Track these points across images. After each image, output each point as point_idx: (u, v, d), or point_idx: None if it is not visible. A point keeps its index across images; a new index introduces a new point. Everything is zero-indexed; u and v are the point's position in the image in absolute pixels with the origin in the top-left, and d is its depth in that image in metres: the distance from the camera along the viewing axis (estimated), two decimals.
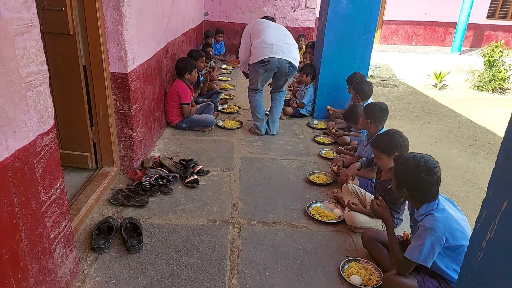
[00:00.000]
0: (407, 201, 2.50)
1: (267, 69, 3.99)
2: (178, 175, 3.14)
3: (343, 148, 3.77)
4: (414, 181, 1.89)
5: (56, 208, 1.82)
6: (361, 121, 3.17)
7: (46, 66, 1.69)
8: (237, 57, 8.13)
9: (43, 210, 1.70)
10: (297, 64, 4.07)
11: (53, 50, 2.57)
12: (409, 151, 2.50)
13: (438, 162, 1.92)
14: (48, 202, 1.74)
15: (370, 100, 3.97)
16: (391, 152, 2.42)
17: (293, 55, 4.01)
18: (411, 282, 1.92)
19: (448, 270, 1.90)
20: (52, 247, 1.79)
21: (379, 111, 3.00)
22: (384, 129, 2.95)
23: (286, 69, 4.03)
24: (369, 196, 2.77)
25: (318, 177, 3.31)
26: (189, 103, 4.17)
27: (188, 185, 3.05)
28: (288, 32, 4.20)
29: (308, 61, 6.02)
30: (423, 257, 1.84)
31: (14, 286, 1.50)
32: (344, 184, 2.88)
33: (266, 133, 4.31)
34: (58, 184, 1.83)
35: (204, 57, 4.87)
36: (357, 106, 3.73)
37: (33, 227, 1.62)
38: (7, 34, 1.41)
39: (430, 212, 1.88)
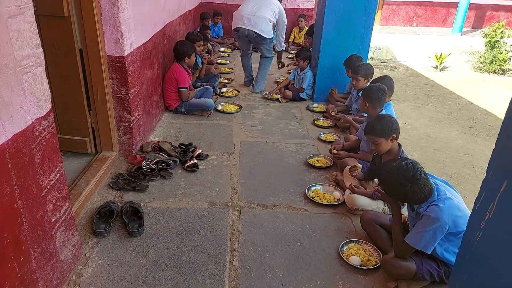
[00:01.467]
0: None
1: (238, 36, 4.97)
2: (177, 160, 3.15)
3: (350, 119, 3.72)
4: (403, 194, 1.89)
5: (56, 192, 1.82)
6: (360, 103, 3.15)
7: (41, 49, 1.66)
8: (235, 40, 8.05)
9: (43, 194, 1.70)
10: (265, 35, 4.79)
11: (48, 33, 2.53)
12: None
13: (415, 162, 1.89)
14: (48, 187, 1.74)
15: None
16: (390, 135, 2.41)
17: (260, 26, 4.71)
18: (409, 264, 1.94)
19: (448, 254, 1.92)
20: (54, 231, 1.80)
21: (376, 93, 2.97)
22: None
23: (254, 38, 4.82)
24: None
25: (317, 160, 3.31)
26: (187, 87, 4.14)
27: (187, 169, 3.05)
28: (267, 5, 4.77)
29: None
30: (423, 243, 1.85)
31: (17, 269, 1.52)
32: (346, 168, 2.88)
33: (252, 89, 5.21)
34: (58, 169, 1.83)
35: (202, 40, 4.79)
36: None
37: (33, 212, 1.63)
38: (0, 17, 1.38)
39: (433, 203, 1.87)
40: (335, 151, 3.18)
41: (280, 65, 5.77)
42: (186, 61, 4.12)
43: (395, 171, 1.87)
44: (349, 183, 2.72)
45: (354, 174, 2.79)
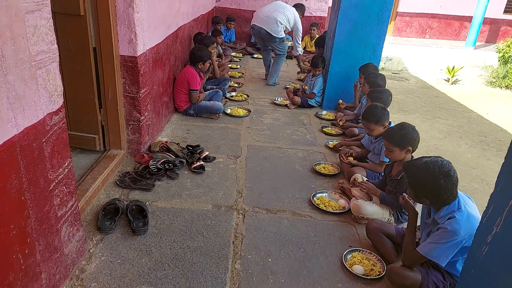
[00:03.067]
0: None
1: (253, 33, 5.76)
2: (184, 161, 3.16)
3: (348, 142, 3.73)
4: (435, 189, 1.84)
5: (64, 187, 1.84)
6: (364, 125, 3.15)
7: (56, 45, 1.69)
8: (247, 45, 8.11)
9: (50, 188, 1.72)
10: (273, 34, 5.43)
11: (64, 31, 2.57)
12: (419, 144, 2.49)
13: (450, 162, 1.86)
14: (56, 181, 1.76)
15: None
16: (405, 146, 2.41)
17: (270, 26, 5.39)
18: (415, 275, 1.91)
19: (459, 265, 1.89)
20: (59, 225, 1.82)
21: (381, 111, 2.96)
22: (391, 124, 2.92)
23: (264, 35, 5.51)
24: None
25: (324, 168, 3.30)
26: (197, 90, 4.17)
27: (194, 170, 3.06)
28: (282, 10, 5.42)
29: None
30: (436, 254, 1.82)
31: (21, 261, 1.53)
32: (352, 177, 2.86)
33: (267, 83, 5.88)
34: (66, 164, 1.85)
35: (215, 44, 4.87)
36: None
37: (40, 205, 1.65)
38: (18, 12, 1.41)
39: (452, 214, 1.84)
40: (350, 159, 3.15)
41: (300, 69, 6.67)
42: (200, 67, 4.21)
43: (431, 165, 1.82)
44: (355, 191, 2.70)
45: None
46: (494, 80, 9.17)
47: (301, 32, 5.85)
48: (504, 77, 8.99)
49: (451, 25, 13.08)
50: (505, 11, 12.83)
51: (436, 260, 1.84)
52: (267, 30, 5.41)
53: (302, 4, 6.31)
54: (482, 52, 11.26)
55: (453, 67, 9.15)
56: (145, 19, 2.93)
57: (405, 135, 2.41)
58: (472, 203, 2.00)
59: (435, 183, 1.81)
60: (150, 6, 3.05)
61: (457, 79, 9.36)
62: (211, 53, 4.36)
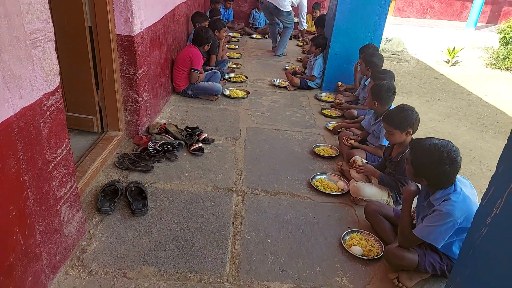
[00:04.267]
0: None
1: (262, 7, 6.35)
2: (183, 142, 3.14)
3: (347, 124, 3.71)
4: (437, 173, 1.82)
5: (62, 168, 1.83)
6: (368, 101, 3.12)
7: (51, 24, 1.65)
8: (245, 25, 7.97)
9: (49, 169, 1.71)
10: (281, 8, 5.95)
11: (59, 9, 2.51)
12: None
13: (458, 148, 1.83)
14: (55, 162, 1.75)
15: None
16: (406, 128, 2.39)
17: (278, 1, 5.94)
18: (412, 255, 1.93)
19: (454, 247, 1.91)
20: (59, 206, 1.82)
21: (387, 92, 2.94)
22: (392, 106, 2.90)
23: (272, 9, 6.05)
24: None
25: (323, 150, 3.30)
26: (199, 70, 4.13)
27: (193, 152, 3.05)
28: None
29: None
30: (432, 236, 1.84)
31: (21, 242, 1.53)
32: (352, 159, 2.86)
33: (275, 54, 6.40)
34: (64, 145, 1.83)
35: (225, 28, 4.94)
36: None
37: (39, 186, 1.64)
38: None
39: (447, 196, 1.84)
40: (351, 141, 3.13)
41: (304, 43, 7.16)
42: (205, 48, 4.21)
43: (440, 148, 1.79)
44: (354, 173, 2.71)
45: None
46: (494, 61, 9.11)
47: (306, 8, 6.53)
48: (504, 59, 8.93)
49: (453, 5, 12.88)
50: None
51: (433, 242, 1.86)
52: (275, 4, 5.94)
53: None
54: (483, 33, 11.13)
55: (453, 48, 9.06)
56: None
57: (405, 117, 2.40)
58: (470, 186, 2.01)
59: (439, 167, 1.80)
60: None
61: (457, 60, 9.29)
62: (215, 36, 4.42)
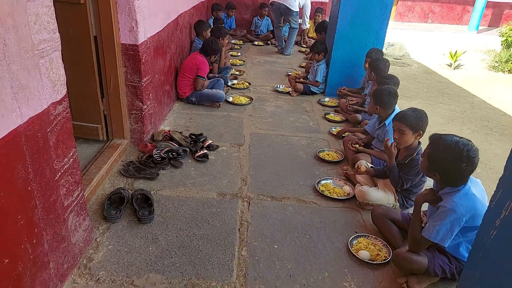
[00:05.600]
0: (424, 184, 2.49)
1: (273, 9, 6.67)
2: (188, 149, 3.15)
3: (352, 129, 3.71)
4: (452, 169, 1.81)
5: (69, 177, 1.84)
6: (370, 106, 3.12)
7: (58, 34, 1.67)
8: (247, 32, 8.02)
9: (56, 178, 1.72)
10: (292, 8, 6.42)
11: (64, 19, 2.52)
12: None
13: (478, 149, 1.82)
14: (62, 171, 1.76)
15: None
16: (418, 130, 2.39)
17: (289, 1, 6.38)
18: (421, 259, 1.92)
19: (462, 249, 1.90)
20: (66, 215, 1.82)
21: (388, 96, 2.93)
22: (397, 110, 2.90)
23: (284, 10, 6.48)
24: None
25: (328, 154, 3.29)
26: (205, 78, 4.17)
27: (198, 159, 3.06)
28: None
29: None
30: (440, 236, 1.83)
31: (30, 251, 1.54)
32: (357, 163, 2.85)
33: (282, 53, 6.96)
34: (71, 154, 1.85)
35: (228, 35, 5.06)
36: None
37: (47, 195, 1.65)
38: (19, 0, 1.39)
39: (453, 192, 1.84)
40: (356, 146, 3.11)
41: (303, 42, 7.59)
42: (211, 59, 4.29)
43: (461, 146, 1.78)
44: (360, 177, 2.70)
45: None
46: (497, 64, 9.09)
47: (310, 8, 7.02)
48: (507, 61, 8.91)
49: (454, 9, 12.92)
50: None
51: (440, 243, 1.85)
52: (286, 4, 6.38)
53: None
54: (485, 36, 11.14)
55: (456, 51, 9.06)
56: (146, 6, 2.89)
57: (420, 118, 2.38)
58: (480, 185, 2.00)
59: (457, 164, 1.79)
60: None
61: (459, 64, 9.28)
62: (221, 47, 4.51)
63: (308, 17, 7.22)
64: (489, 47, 9.57)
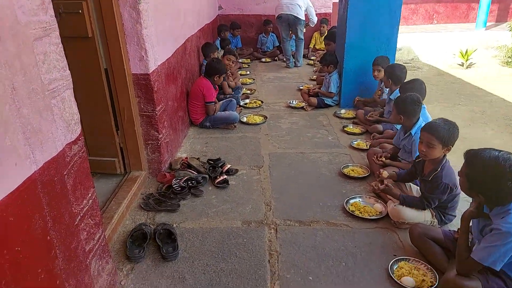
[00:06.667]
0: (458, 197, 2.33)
1: (281, 21, 6.59)
2: (207, 176, 3.04)
3: (382, 139, 3.54)
4: (497, 189, 1.66)
5: (90, 219, 1.74)
6: (393, 115, 2.97)
7: (68, 72, 1.60)
8: (254, 50, 8.01)
9: (76, 223, 1.62)
10: (300, 17, 6.45)
11: (73, 55, 2.47)
12: None
13: None
14: (81, 214, 1.66)
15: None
16: (448, 144, 2.21)
17: (296, 10, 6.41)
18: (475, 284, 1.74)
19: None
20: (88, 260, 1.72)
21: (412, 105, 2.79)
22: (424, 117, 2.75)
23: (292, 20, 6.49)
24: (415, 189, 2.60)
25: (352, 170, 3.14)
26: (213, 102, 4.08)
27: (218, 185, 2.94)
28: None
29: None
30: (492, 259, 1.66)
31: None
32: (379, 170, 2.70)
33: (295, 65, 7.04)
34: (90, 194, 1.75)
35: (232, 55, 4.97)
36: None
37: (67, 242, 1.54)
38: (26, 39, 1.31)
39: (505, 213, 1.67)
40: (382, 159, 2.97)
41: (313, 54, 7.73)
42: (216, 79, 4.14)
43: (502, 162, 1.63)
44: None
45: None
46: (510, 60, 8.88)
47: (314, 8, 6.98)
48: None
49: (458, 8, 12.78)
50: None
51: (491, 265, 1.68)
52: (294, 14, 6.40)
53: None
54: (494, 32, 10.95)
55: (466, 50, 8.89)
56: (154, 34, 2.84)
57: (452, 132, 2.19)
58: None
59: (500, 182, 1.63)
60: (157, 20, 2.96)
61: (471, 62, 9.08)
62: (226, 67, 4.43)
63: (314, 14, 6.96)
64: (499, 42, 9.37)
